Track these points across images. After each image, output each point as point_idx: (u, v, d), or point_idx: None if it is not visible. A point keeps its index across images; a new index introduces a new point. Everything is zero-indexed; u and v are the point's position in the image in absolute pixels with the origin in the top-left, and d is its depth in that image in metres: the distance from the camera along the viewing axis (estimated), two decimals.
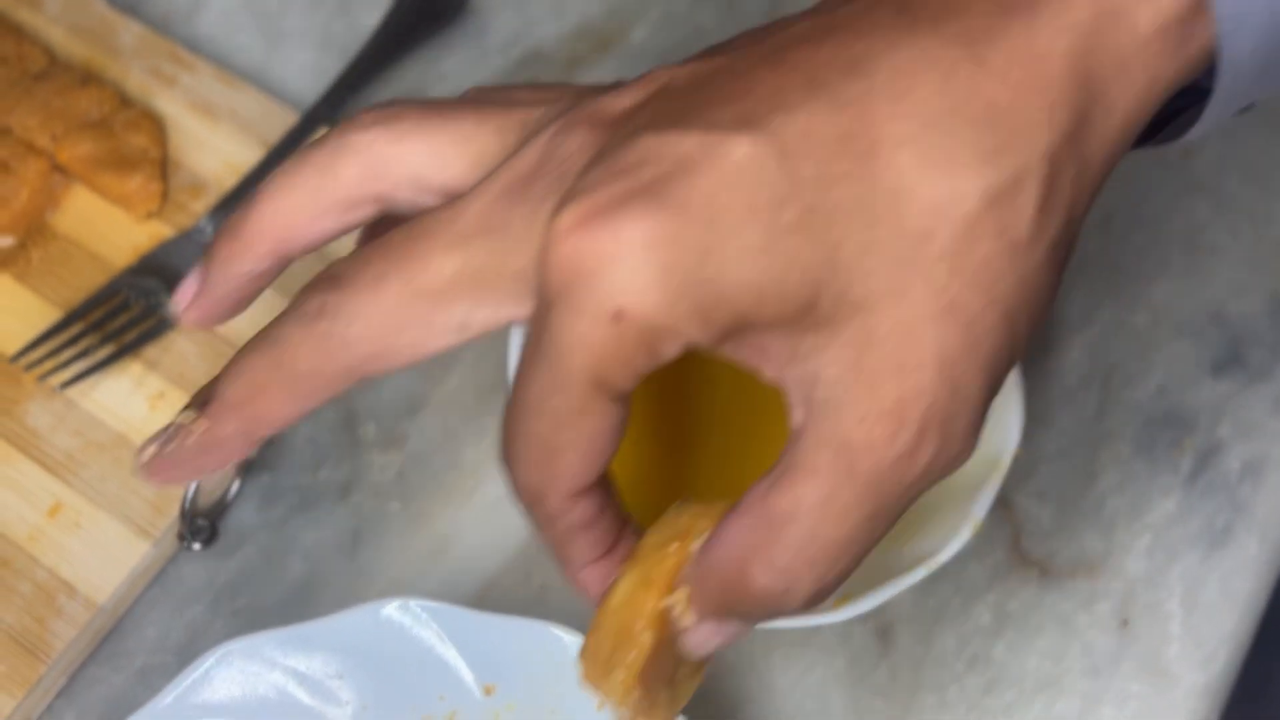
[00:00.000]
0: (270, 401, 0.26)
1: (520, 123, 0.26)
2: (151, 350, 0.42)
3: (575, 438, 0.24)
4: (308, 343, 0.25)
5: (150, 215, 0.43)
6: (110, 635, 0.39)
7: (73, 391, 0.41)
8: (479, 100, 0.27)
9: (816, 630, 0.40)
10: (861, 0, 0.24)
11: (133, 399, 0.41)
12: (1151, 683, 0.39)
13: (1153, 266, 0.45)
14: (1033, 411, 0.41)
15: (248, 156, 0.44)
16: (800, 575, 0.23)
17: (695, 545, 0.25)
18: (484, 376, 0.43)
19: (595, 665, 0.27)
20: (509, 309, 0.24)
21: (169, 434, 0.27)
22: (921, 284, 0.22)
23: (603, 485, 0.26)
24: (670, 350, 0.23)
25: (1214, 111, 0.25)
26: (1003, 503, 0.41)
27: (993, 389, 0.23)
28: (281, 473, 0.42)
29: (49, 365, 0.41)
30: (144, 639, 0.39)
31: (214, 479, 0.40)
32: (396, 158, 0.26)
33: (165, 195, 0.44)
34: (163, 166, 0.44)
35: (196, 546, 0.40)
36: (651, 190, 0.22)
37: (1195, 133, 0.26)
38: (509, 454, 0.25)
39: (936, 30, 0.22)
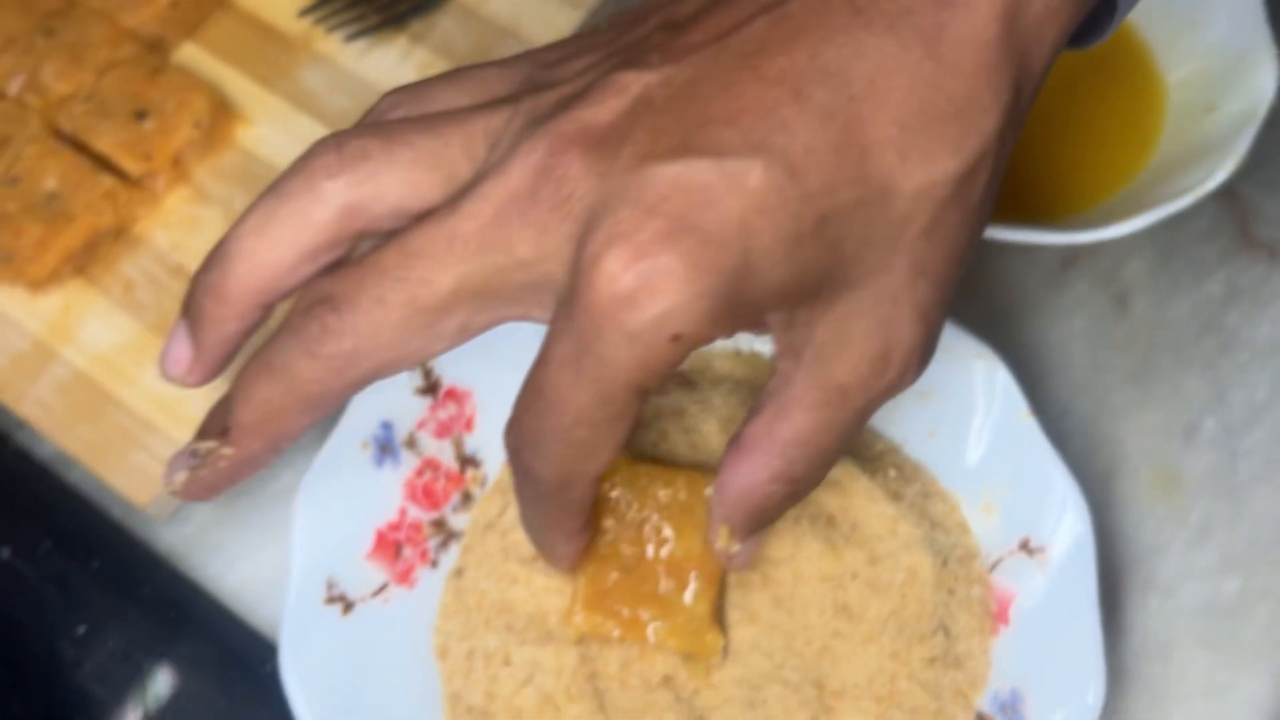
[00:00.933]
0: (287, 420, 0.27)
1: (482, 133, 0.26)
2: (417, 25, 0.44)
3: (611, 437, 0.26)
4: (316, 366, 0.26)
5: None
6: None
7: (343, 59, 0.44)
8: (430, 119, 0.27)
9: (1057, 291, 0.41)
10: None
11: (401, 67, 0.44)
12: None
13: None
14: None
15: None
16: (807, 480, 0.28)
17: (707, 490, 0.30)
18: None
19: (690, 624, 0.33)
20: (509, 313, 0.26)
21: (197, 461, 0.28)
22: (903, 258, 0.26)
23: None
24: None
25: (1117, 20, 0.28)
26: (1228, 193, 0.43)
27: (947, 312, 0.27)
28: None
29: (332, 22, 0.43)
30: None
31: None
32: (373, 197, 0.26)
33: None
34: None
35: None
36: (687, 224, 0.24)
37: (1105, 37, 0.29)
38: (538, 454, 0.27)
39: (893, 31, 0.24)
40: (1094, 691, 0.32)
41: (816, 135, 0.24)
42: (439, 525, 0.36)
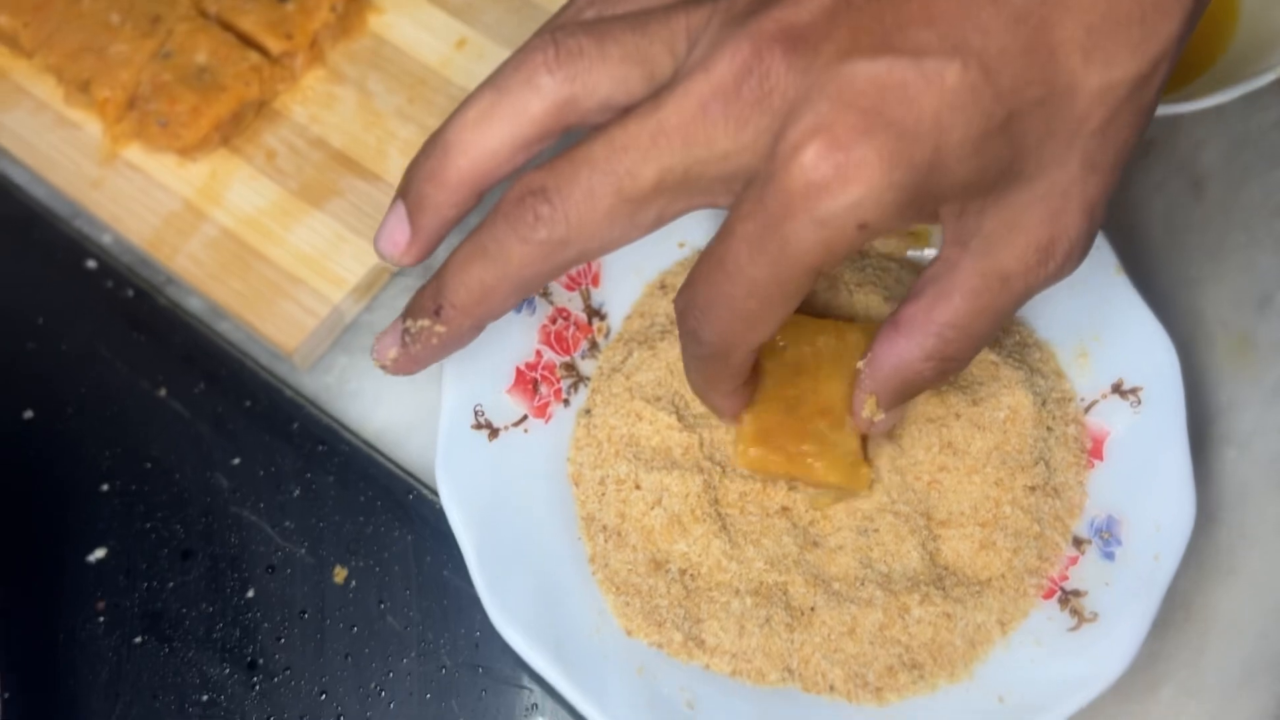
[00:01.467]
0: (496, 300, 0.30)
1: (684, 31, 0.28)
2: None
3: (779, 312, 0.28)
4: (529, 252, 0.28)
5: None
6: None
7: None
8: (635, 17, 0.28)
9: (1137, 177, 0.44)
10: None
11: None
12: None
13: None
14: None
15: None
16: (959, 361, 0.30)
17: (860, 364, 0.32)
18: None
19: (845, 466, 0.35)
20: (699, 202, 0.28)
21: (409, 339, 0.31)
22: (1077, 154, 0.27)
23: None
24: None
25: None
26: None
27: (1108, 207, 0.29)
28: None
29: None
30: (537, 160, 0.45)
31: None
32: (585, 92, 0.28)
33: None
34: None
35: None
36: (884, 120, 0.25)
37: None
38: (705, 317, 0.29)
39: None
40: (1186, 512, 0.35)
41: (1010, 37, 0.25)
42: (570, 368, 0.39)
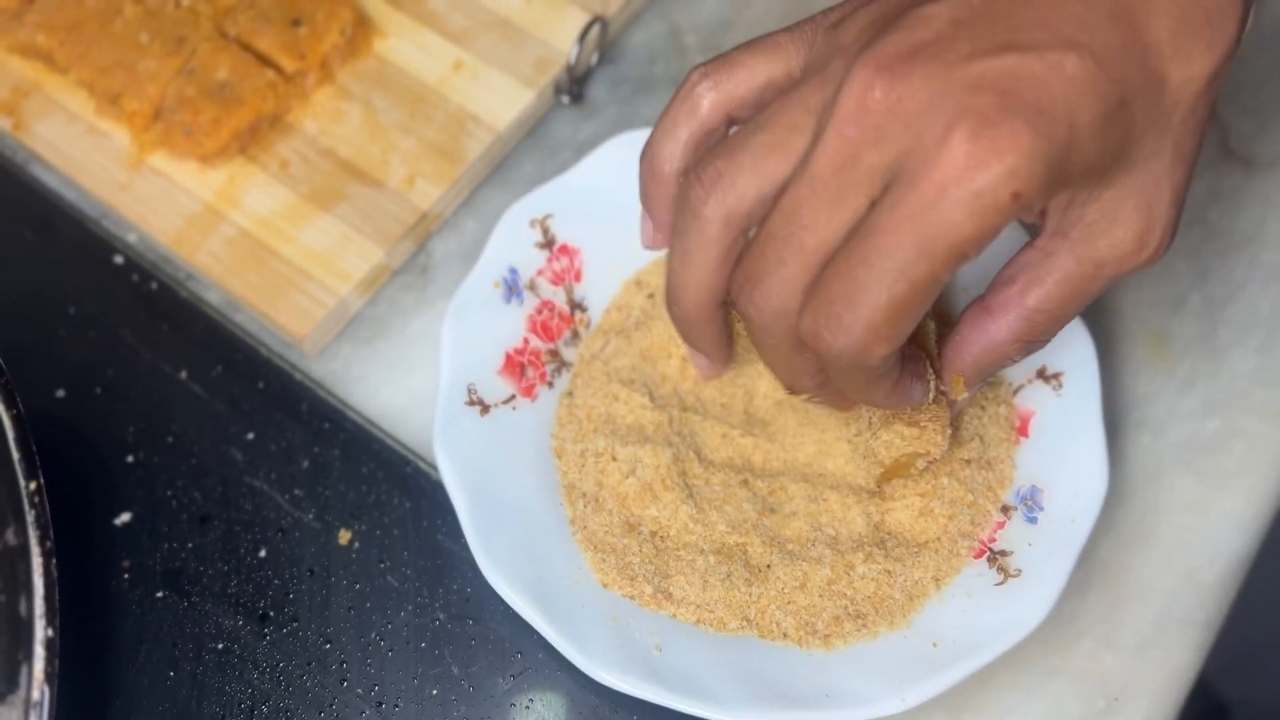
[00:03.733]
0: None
1: (800, 107, 0.31)
2: None
3: (926, 298, 0.29)
4: (752, 322, 0.32)
5: None
6: (499, 167, 0.49)
7: None
8: (754, 123, 0.32)
9: None
10: None
11: None
12: None
13: None
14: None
15: None
16: (1042, 344, 0.33)
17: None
18: (779, 8, 0.53)
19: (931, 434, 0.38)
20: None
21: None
22: (1169, 143, 0.31)
23: None
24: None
25: None
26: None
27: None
28: (624, 65, 0.52)
29: None
30: (523, 173, 0.49)
31: (584, 54, 0.50)
32: (737, 200, 0.32)
33: None
34: None
35: (566, 101, 0.50)
36: (1022, 100, 0.28)
37: None
38: (841, 321, 0.30)
39: None
40: (1099, 480, 0.40)
41: (1111, 34, 0.29)
42: (554, 354, 0.44)
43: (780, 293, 0.31)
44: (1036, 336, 0.33)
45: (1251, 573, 0.43)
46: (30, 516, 0.30)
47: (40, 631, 0.28)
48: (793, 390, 0.35)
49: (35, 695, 0.27)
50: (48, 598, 0.29)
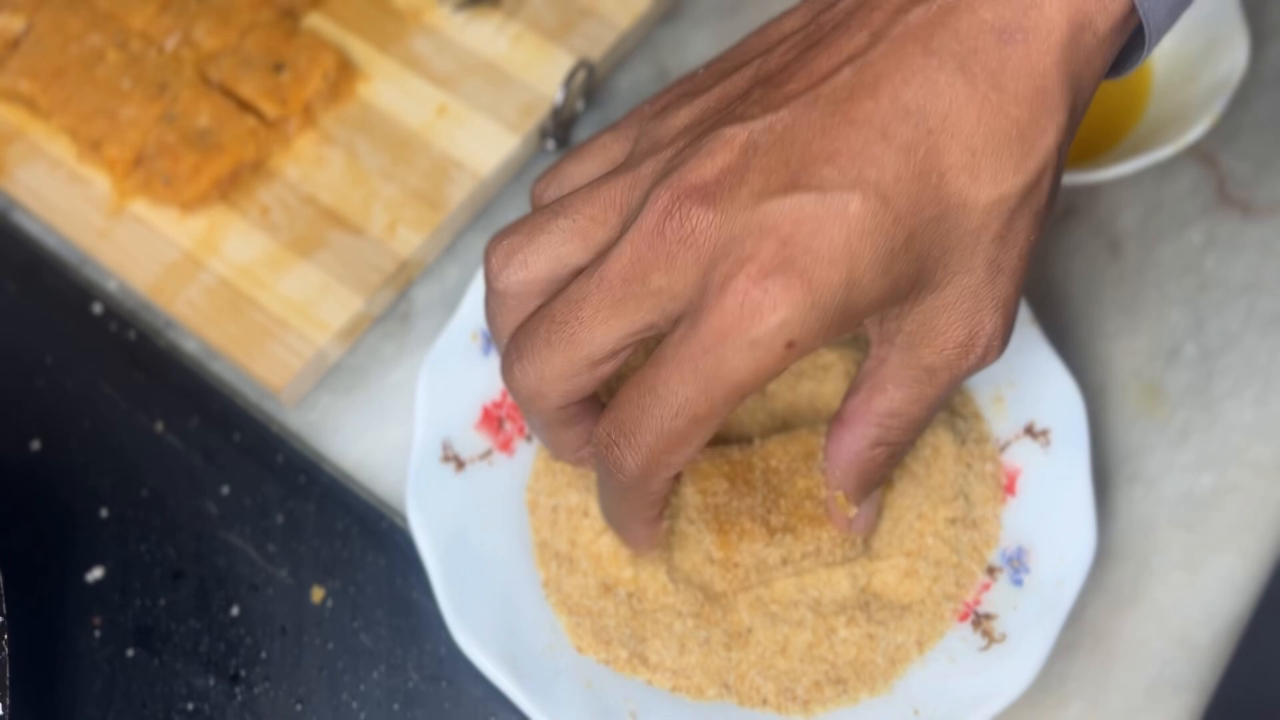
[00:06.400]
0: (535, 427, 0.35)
1: (605, 200, 0.32)
2: (511, 1, 0.51)
3: (700, 435, 0.31)
4: (524, 403, 0.34)
5: None
6: (482, 213, 0.49)
7: (448, 29, 0.51)
8: (562, 202, 0.33)
9: (1058, 238, 0.48)
10: (886, 42, 0.29)
11: (497, 38, 0.51)
12: None
13: None
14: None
15: None
16: (903, 445, 0.34)
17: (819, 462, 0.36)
18: None
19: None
20: (645, 332, 0.31)
21: None
22: (981, 260, 0.30)
23: None
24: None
25: (1145, 54, 0.32)
26: (1208, 160, 0.50)
27: (1020, 300, 0.32)
28: (612, 108, 0.51)
29: None
30: (507, 219, 0.49)
31: (570, 98, 0.49)
32: (530, 278, 0.33)
33: None
34: None
35: (551, 145, 0.49)
36: (801, 249, 0.28)
37: (1136, 67, 0.33)
38: (628, 443, 0.32)
39: (963, 69, 0.28)
40: (1086, 543, 0.39)
41: (902, 166, 0.29)
42: None
43: (538, 375, 0.33)
44: (894, 440, 0.34)
45: (1246, 635, 0.42)
46: None
47: None
48: (556, 458, 0.37)
49: None
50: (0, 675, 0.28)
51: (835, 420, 0.34)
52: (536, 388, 0.33)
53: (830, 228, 0.28)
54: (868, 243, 0.28)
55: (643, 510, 0.36)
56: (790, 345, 0.29)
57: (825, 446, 0.35)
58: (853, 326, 0.30)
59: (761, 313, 0.28)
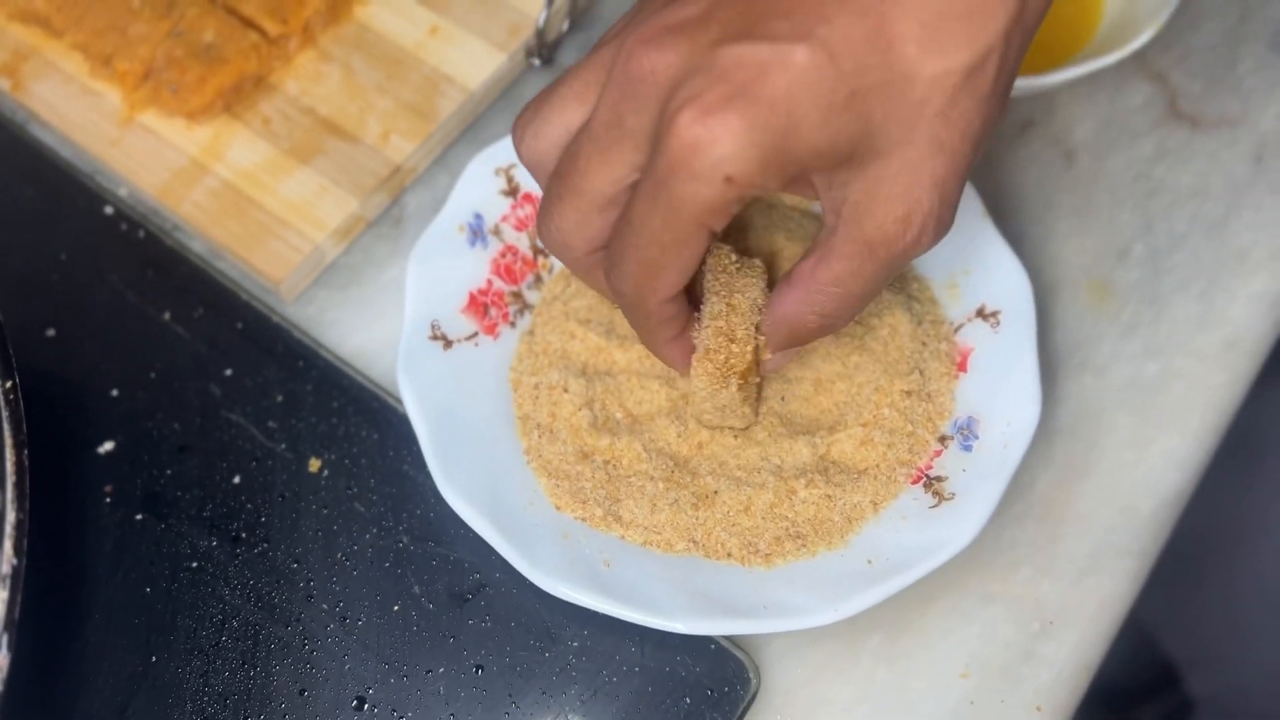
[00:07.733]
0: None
1: (596, 64, 0.34)
2: None
3: (676, 260, 0.33)
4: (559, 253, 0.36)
5: None
6: (471, 126, 0.52)
7: None
8: (562, 76, 0.35)
9: (1016, 149, 0.51)
10: None
11: None
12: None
13: None
14: (1185, 8, 0.53)
15: None
16: (838, 317, 0.36)
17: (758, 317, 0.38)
18: None
19: (713, 378, 0.39)
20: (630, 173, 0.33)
21: None
22: (923, 134, 0.31)
23: (683, 290, 0.36)
24: (752, 197, 0.32)
25: None
26: (1159, 77, 0.53)
27: (963, 188, 0.34)
28: (595, 30, 0.54)
29: None
30: (495, 132, 0.52)
31: (553, 19, 0.52)
32: (549, 134, 0.35)
33: None
34: None
35: (537, 63, 0.52)
36: (744, 91, 0.30)
37: None
38: (618, 271, 0.34)
39: None
40: (1032, 410, 0.41)
41: (852, 28, 0.30)
42: (517, 296, 0.46)
43: (557, 227, 0.35)
44: (830, 311, 0.35)
45: (1188, 507, 0.45)
46: (5, 413, 0.32)
47: (11, 514, 0.30)
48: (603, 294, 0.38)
49: (5, 569, 0.29)
50: (19, 485, 0.31)
51: (783, 278, 0.36)
52: (560, 239, 0.36)
53: (774, 73, 0.30)
54: (808, 92, 0.30)
55: (657, 330, 0.37)
56: (729, 180, 0.31)
57: (771, 298, 0.37)
58: (793, 174, 0.32)
59: (701, 149, 0.30)
